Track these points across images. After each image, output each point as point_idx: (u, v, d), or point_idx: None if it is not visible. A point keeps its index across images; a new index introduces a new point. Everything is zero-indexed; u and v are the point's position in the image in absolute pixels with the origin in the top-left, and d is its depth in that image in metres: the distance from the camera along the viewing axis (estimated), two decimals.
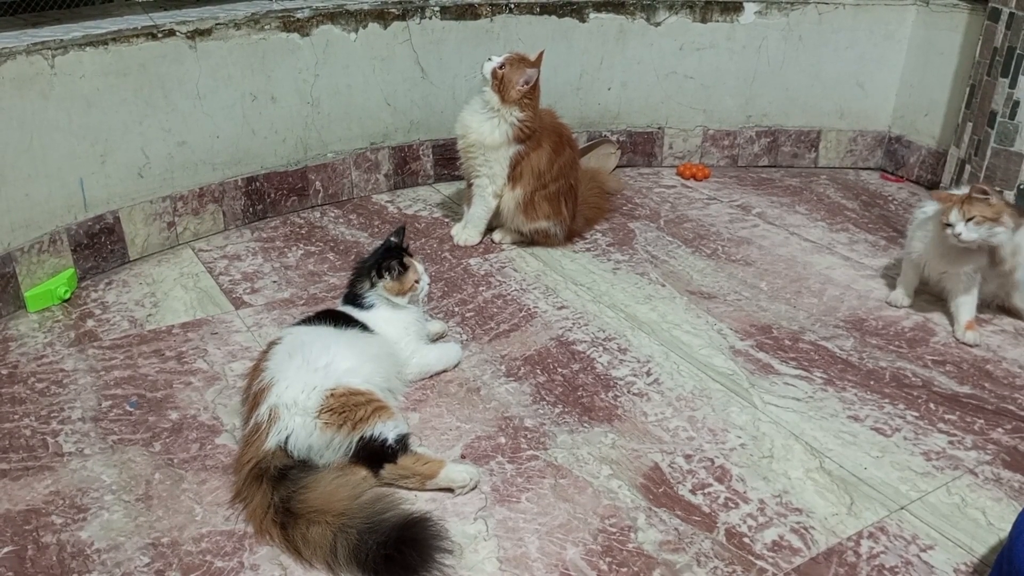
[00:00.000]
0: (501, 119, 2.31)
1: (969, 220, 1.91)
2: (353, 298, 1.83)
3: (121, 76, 2.20)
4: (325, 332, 1.69)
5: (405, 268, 1.81)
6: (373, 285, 1.81)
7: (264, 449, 1.48)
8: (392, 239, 1.87)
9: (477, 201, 2.44)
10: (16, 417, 1.71)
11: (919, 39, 2.91)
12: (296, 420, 1.50)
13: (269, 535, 1.41)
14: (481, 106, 2.34)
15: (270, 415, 1.51)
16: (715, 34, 2.95)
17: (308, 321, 1.76)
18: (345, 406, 1.52)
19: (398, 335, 1.80)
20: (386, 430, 1.52)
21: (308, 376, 1.55)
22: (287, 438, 1.49)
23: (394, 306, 1.81)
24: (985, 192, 1.93)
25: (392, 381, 1.72)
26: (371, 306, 1.81)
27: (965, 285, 2.04)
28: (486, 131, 2.33)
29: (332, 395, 1.53)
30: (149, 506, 1.49)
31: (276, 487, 1.43)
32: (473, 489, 1.53)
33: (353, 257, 2.36)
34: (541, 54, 2.34)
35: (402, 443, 1.53)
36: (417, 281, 1.83)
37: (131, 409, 1.74)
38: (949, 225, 1.94)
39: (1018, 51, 2.43)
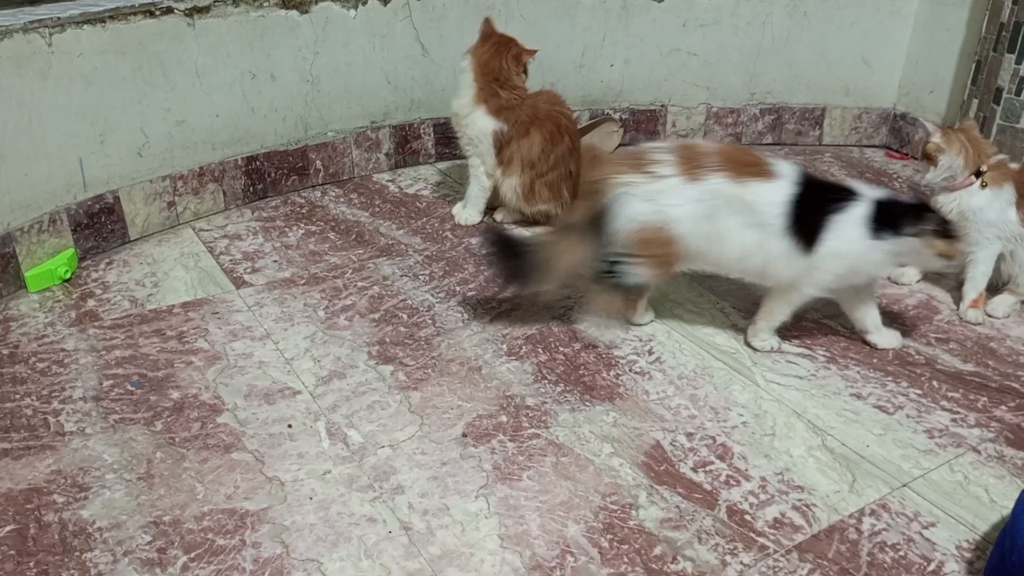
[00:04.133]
0: (468, 86, 2.36)
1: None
2: (885, 214, 1.71)
3: (119, 54, 2.18)
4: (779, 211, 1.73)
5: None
6: (922, 232, 1.71)
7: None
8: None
9: (472, 181, 2.44)
10: (17, 397, 1.71)
11: (925, 15, 2.88)
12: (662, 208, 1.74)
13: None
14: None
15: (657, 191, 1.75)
16: (719, 10, 2.92)
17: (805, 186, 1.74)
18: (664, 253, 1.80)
19: (837, 266, 1.75)
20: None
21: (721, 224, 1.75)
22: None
23: (895, 255, 1.76)
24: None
25: (749, 276, 1.87)
26: (880, 236, 1.71)
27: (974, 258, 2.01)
28: (459, 100, 2.37)
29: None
30: (151, 485, 1.49)
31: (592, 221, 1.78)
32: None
33: (353, 237, 2.35)
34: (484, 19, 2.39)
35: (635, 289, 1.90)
36: (953, 257, 1.78)
37: (132, 388, 1.74)
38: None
39: None
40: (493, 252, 1.92)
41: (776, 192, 1.73)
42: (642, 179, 1.76)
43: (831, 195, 1.76)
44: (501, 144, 2.34)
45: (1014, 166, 2.01)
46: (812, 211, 1.73)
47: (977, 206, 1.94)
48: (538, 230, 2.32)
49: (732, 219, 1.75)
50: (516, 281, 1.93)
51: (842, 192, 1.76)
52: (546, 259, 1.83)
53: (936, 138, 1.98)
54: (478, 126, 2.33)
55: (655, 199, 1.75)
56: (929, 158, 1.99)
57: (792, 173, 1.75)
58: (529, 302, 2.05)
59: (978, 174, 1.95)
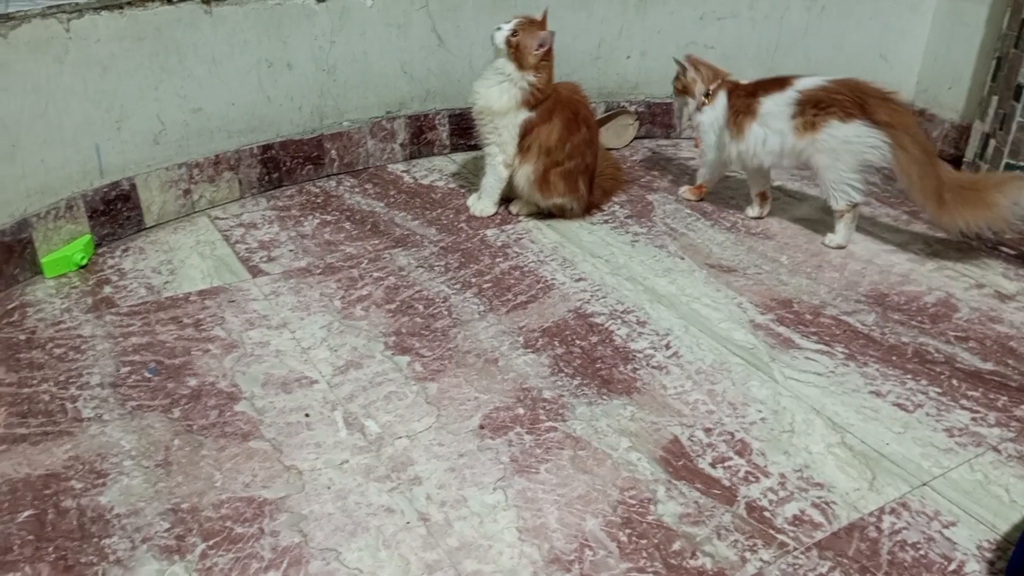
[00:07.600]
0: (511, 83, 2.29)
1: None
2: None
3: (137, 41, 2.18)
4: None
5: None
6: None
7: None
8: None
9: (488, 171, 2.42)
10: (35, 382, 1.71)
11: (944, 10, 2.85)
12: None
13: None
14: (493, 73, 2.32)
15: None
16: (737, 3, 2.90)
17: None
18: None
19: None
20: None
21: None
22: None
23: None
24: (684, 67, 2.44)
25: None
26: None
27: None
28: (494, 96, 2.31)
29: None
30: (168, 472, 1.49)
31: None
32: None
33: (369, 227, 2.35)
34: (546, 13, 2.30)
35: None
36: None
37: (149, 375, 1.74)
38: None
39: None
40: None
41: None
42: None
43: None
44: (526, 131, 2.32)
45: (738, 80, 2.39)
46: None
47: (703, 120, 2.42)
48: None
49: None
50: None
51: None
52: None
53: (691, 73, 2.40)
54: (510, 118, 2.31)
55: None
56: (688, 91, 2.43)
57: None
58: (544, 295, 2.05)
59: (706, 95, 2.40)
